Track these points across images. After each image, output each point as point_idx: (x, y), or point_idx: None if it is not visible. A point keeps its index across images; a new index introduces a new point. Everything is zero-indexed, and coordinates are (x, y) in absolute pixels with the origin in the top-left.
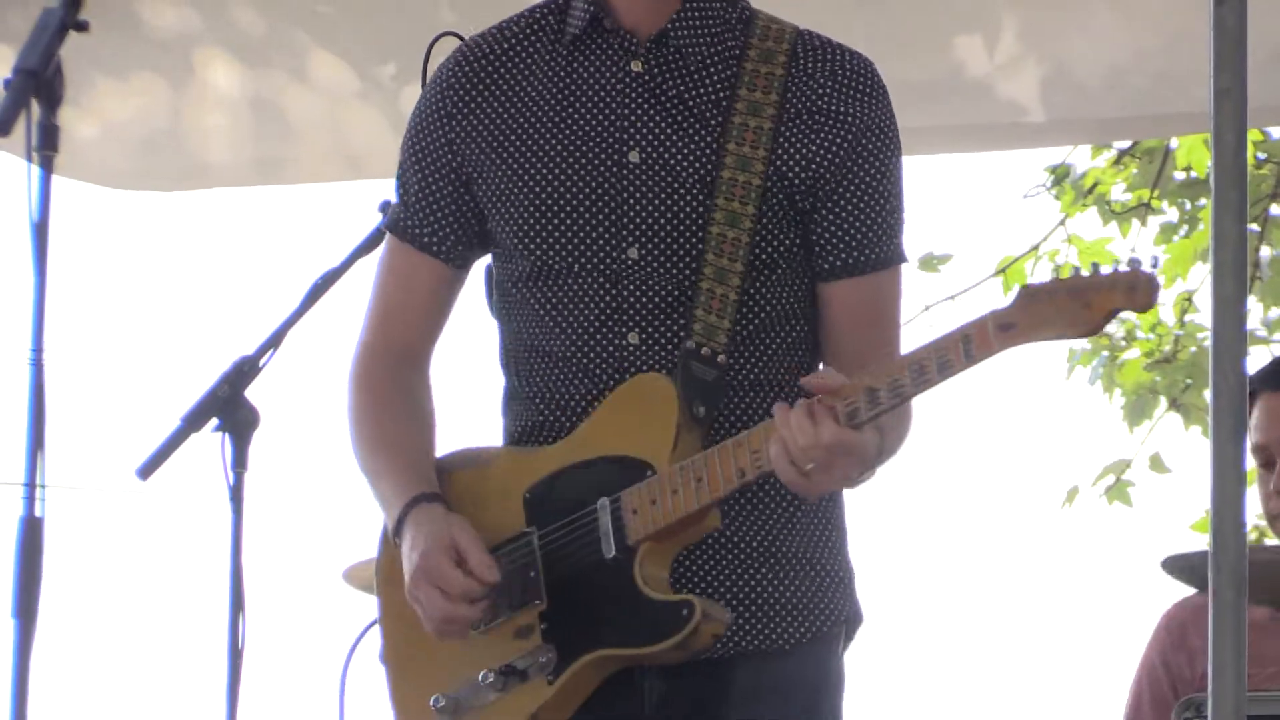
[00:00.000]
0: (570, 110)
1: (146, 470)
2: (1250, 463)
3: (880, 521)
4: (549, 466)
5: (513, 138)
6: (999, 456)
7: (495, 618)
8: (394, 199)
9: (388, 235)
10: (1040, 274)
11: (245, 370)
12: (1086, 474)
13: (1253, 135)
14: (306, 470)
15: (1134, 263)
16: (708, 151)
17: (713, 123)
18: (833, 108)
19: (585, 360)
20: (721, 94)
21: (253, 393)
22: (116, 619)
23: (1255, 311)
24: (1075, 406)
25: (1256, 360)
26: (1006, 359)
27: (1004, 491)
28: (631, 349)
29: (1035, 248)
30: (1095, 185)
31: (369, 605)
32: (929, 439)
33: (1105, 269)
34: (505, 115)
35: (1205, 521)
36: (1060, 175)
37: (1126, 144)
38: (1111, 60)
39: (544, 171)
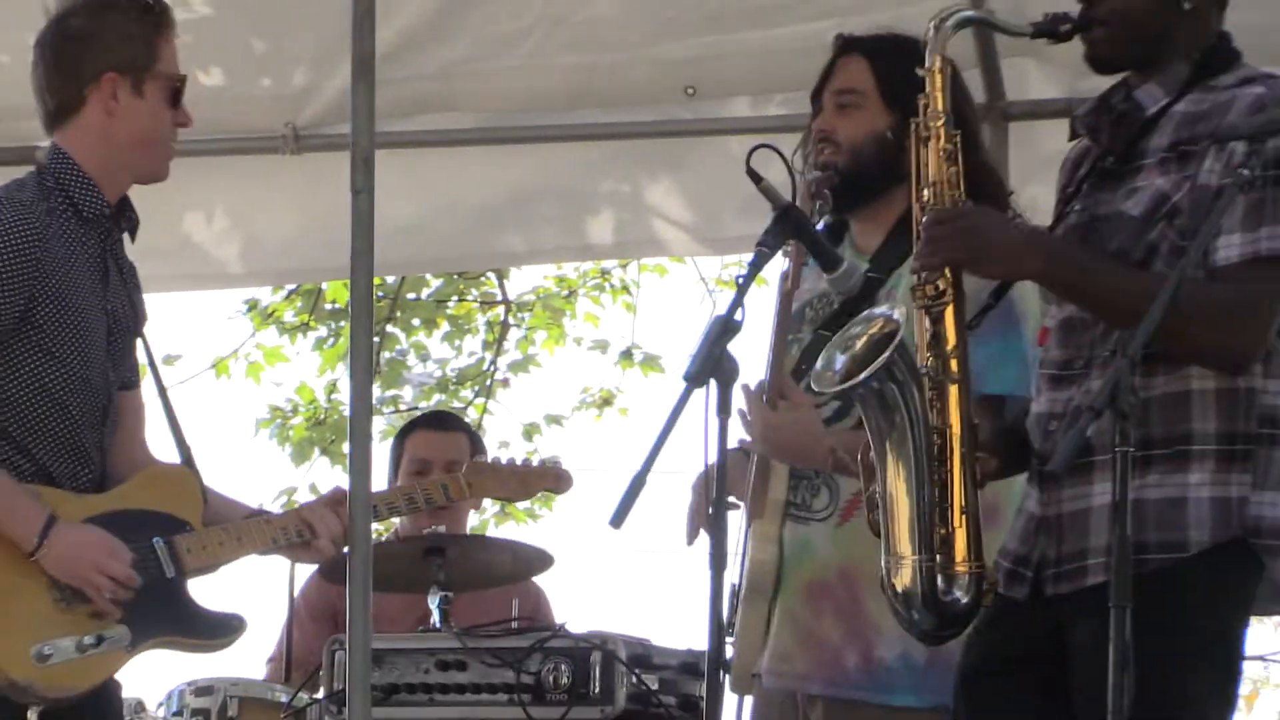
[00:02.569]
0: None
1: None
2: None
3: None
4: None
5: None
6: None
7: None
8: None
9: None
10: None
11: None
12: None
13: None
14: None
15: (556, 461)
16: None
17: None
18: None
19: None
20: None
21: None
22: None
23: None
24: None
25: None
26: None
27: None
28: None
29: (235, 352)
30: (273, 311)
31: None
32: None
33: (539, 461)
34: None
35: None
36: (252, 305)
37: (294, 285)
38: (287, 232)
39: None
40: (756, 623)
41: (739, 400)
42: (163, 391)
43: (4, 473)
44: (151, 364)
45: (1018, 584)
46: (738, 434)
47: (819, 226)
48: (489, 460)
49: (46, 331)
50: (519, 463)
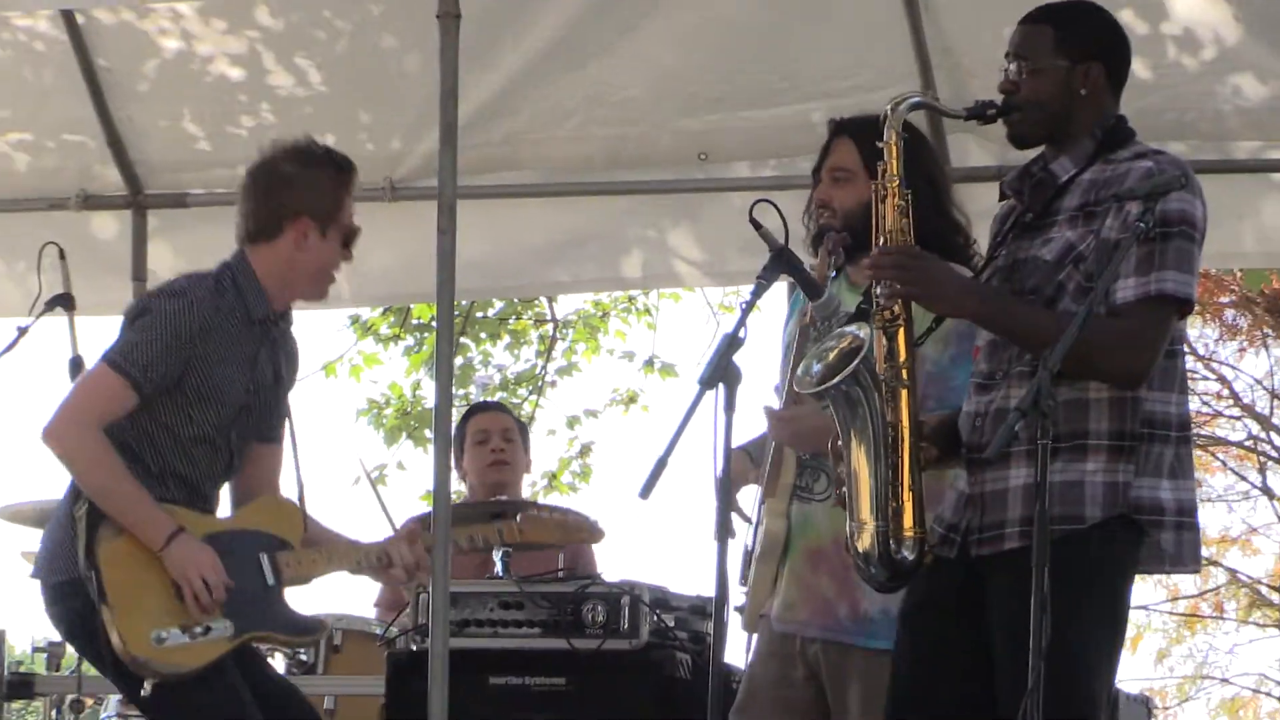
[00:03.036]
0: None
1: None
2: None
3: None
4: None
5: None
6: None
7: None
8: None
9: None
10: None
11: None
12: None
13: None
14: None
15: (594, 523)
16: None
17: None
18: None
19: None
20: None
21: None
22: None
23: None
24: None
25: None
26: None
27: None
28: None
29: (340, 357)
30: (372, 325)
31: None
32: None
33: (578, 515)
34: None
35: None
36: (355, 320)
37: (389, 305)
38: (385, 263)
39: None
40: (766, 577)
41: (744, 401)
42: (294, 447)
43: (145, 492)
44: (291, 429)
45: (948, 546)
46: (740, 428)
47: (832, 274)
48: (540, 514)
49: (189, 398)
50: (563, 514)
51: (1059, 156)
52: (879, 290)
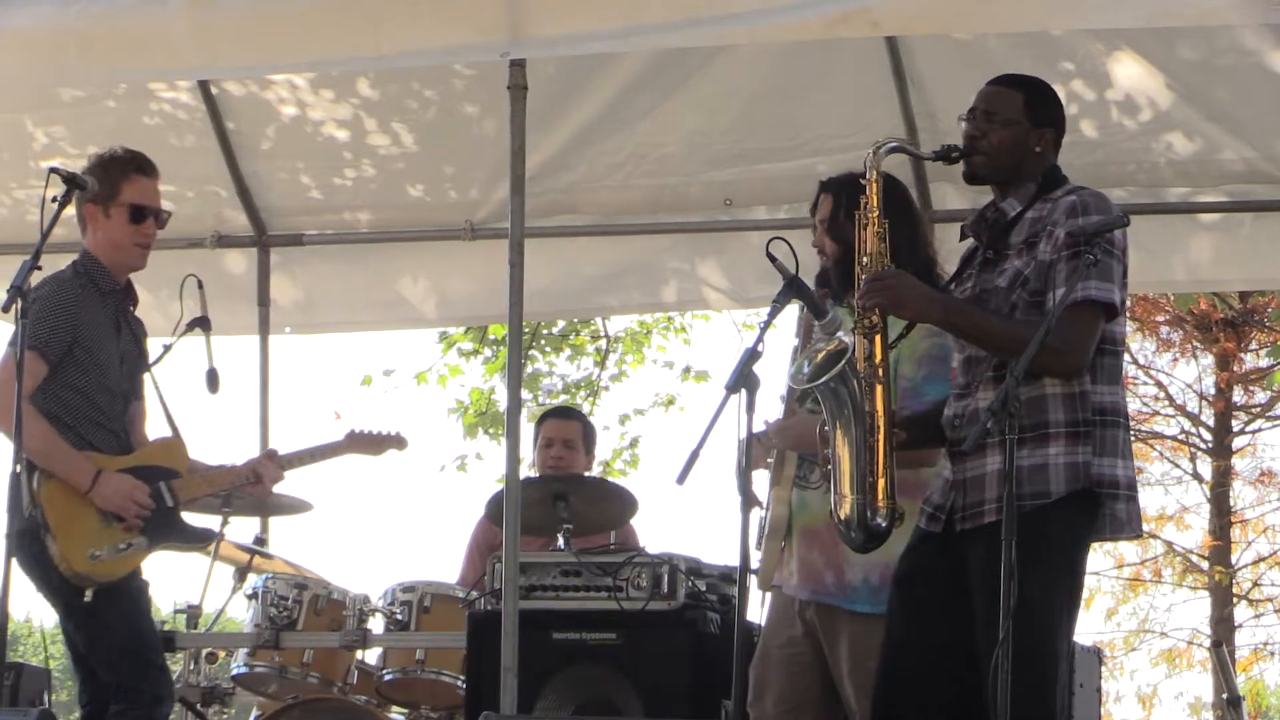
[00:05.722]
0: None
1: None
2: None
3: None
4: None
5: None
6: None
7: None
8: None
9: None
10: None
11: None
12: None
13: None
14: None
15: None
16: None
17: None
18: None
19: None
20: None
21: None
22: None
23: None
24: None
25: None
26: None
27: None
28: None
29: (430, 367)
30: (455, 340)
31: None
32: None
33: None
34: None
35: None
36: (442, 336)
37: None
38: (465, 291)
39: None
40: (774, 551)
41: (762, 403)
42: (160, 394)
43: (64, 443)
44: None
45: (935, 523)
46: (758, 427)
47: (829, 305)
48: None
49: (81, 359)
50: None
51: (1007, 197)
52: (859, 301)
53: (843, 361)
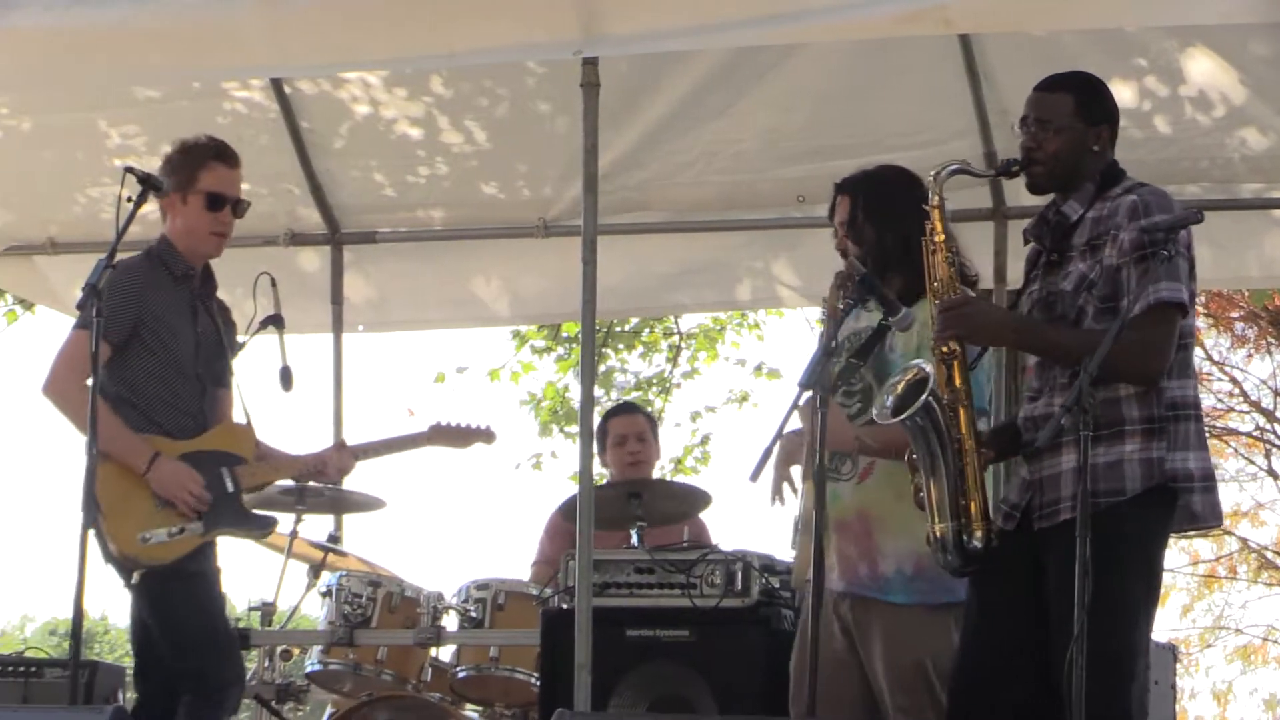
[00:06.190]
0: None
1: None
2: None
3: None
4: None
5: None
6: None
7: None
8: None
9: None
10: None
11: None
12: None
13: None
14: None
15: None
16: None
17: None
18: None
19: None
20: None
21: None
22: None
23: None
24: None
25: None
26: None
27: None
28: None
29: (503, 364)
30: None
31: None
32: None
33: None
34: None
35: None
36: (515, 334)
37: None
38: (539, 288)
39: None
40: (806, 546)
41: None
42: (236, 386)
43: (122, 424)
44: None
45: (1012, 521)
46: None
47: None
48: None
49: (149, 341)
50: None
51: (1068, 199)
52: (935, 332)
53: (926, 393)
